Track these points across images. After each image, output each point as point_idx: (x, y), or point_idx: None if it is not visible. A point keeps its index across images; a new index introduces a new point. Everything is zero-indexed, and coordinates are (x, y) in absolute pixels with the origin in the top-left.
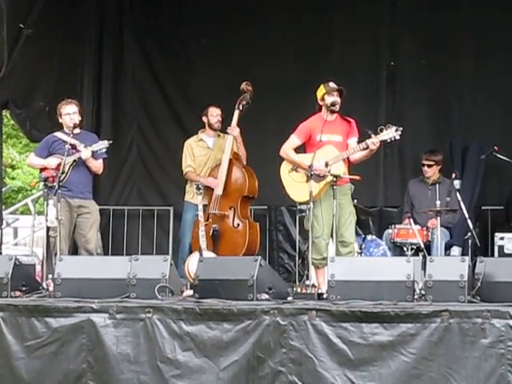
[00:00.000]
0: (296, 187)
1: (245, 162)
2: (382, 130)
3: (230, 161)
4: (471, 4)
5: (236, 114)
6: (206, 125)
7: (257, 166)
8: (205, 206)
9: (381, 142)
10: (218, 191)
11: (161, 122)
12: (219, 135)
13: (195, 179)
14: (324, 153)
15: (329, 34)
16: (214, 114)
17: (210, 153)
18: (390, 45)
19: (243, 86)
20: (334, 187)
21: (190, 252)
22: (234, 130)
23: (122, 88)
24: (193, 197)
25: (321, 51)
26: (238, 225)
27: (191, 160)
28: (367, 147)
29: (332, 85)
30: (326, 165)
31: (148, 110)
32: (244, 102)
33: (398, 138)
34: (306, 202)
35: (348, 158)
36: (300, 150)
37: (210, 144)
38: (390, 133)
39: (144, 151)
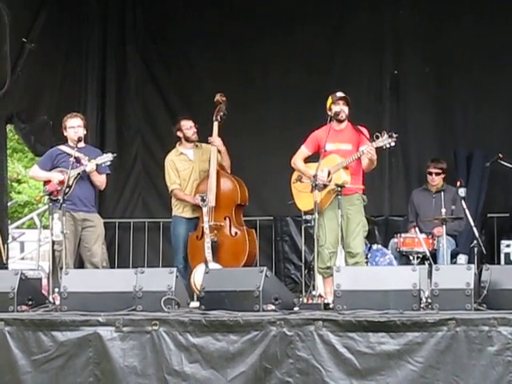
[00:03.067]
0: (301, 197)
1: (229, 171)
2: (377, 137)
3: (217, 171)
4: (475, 12)
5: (215, 125)
6: (183, 139)
7: (261, 176)
8: (196, 219)
9: (376, 149)
10: (211, 202)
11: (164, 135)
12: (197, 146)
13: (182, 198)
14: (328, 162)
15: (332, 44)
16: (188, 127)
17: (192, 165)
18: (393, 54)
19: (217, 97)
20: (339, 197)
21: (186, 265)
22: (215, 140)
23: (125, 101)
24: (182, 211)
25: (324, 60)
26: (236, 233)
27: (175, 176)
28: (361, 155)
29: (338, 94)
30: (329, 174)
31: (152, 123)
32: (221, 113)
33: (393, 144)
34: (311, 211)
35: (360, 167)
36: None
37: (191, 156)
38: (385, 140)
39: (148, 163)
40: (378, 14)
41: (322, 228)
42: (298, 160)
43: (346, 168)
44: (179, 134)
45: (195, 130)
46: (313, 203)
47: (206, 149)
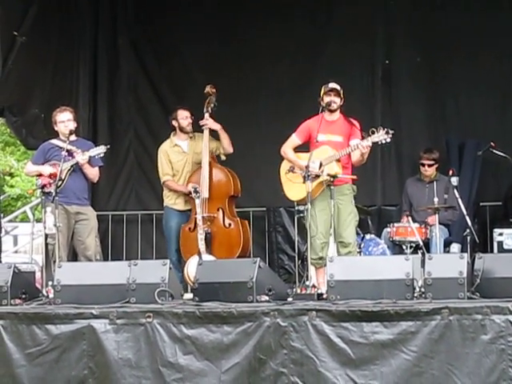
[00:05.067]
0: (292, 187)
1: (231, 149)
2: (373, 133)
3: (210, 163)
4: (467, 2)
5: (206, 116)
6: (177, 129)
7: (253, 167)
8: (188, 212)
9: (372, 144)
10: (205, 194)
11: (157, 126)
12: (191, 137)
13: (175, 188)
14: (319, 153)
15: (323, 34)
16: (183, 117)
17: (186, 156)
18: (385, 43)
19: (208, 89)
20: (331, 187)
21: (179, 257)
22: (208, 121)
23: (117, 93)
24: (175, 202)
25: (315, 51)
26: (230, 224)
27: (168, 167)
28: (356, 149)
29: (330, 85)
30: (321, 165)
31: (144, 115)
32: (211, 105)
33: (388, 140)
34: (301, 201)
35: (350, 160)
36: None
37: (185, 148)
38: (381, 135)
39: (141, 156)
40: (369, 3)
41: (313, 218)
42: (287, 149)
43: (337, 160)
44: (174, 123)
45: (191, 121)
46: (303, 193)
47: (200, 138)
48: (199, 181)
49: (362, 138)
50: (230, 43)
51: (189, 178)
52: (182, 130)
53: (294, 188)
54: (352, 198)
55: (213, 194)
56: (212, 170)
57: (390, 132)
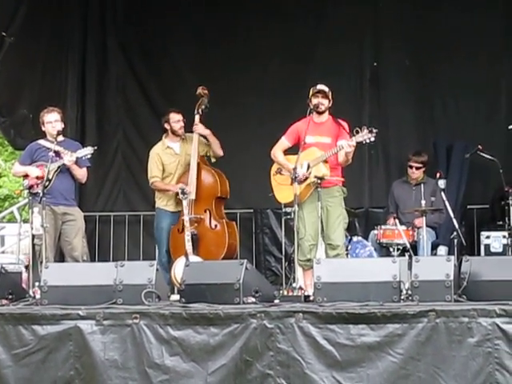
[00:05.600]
0: (281, 189)
1: (221, 152)
2: (357, 132)
3: (198, 164)
4: (454, 4)
5: (197, 118)
6: (169, 131)
7: (241, 169)
8: (179, 213)
9: (356, 143)
10: (191, 195)
11: (145, 128)
12: (183, 139)
13: (164, 188)
14: (307, 155)
15: (312, 36)
16: (176, 120)
17: (178, 158)
18: (373, 46)
19: (199, 90)
20: (319, 189)
21: (169, 259)
22: (197, 126)
23: (106, 94)
24: (166, 204)
25: (305, 53)
26: (216, 226)
27: (158, 170)
28: (341, 149)
29: (318, 87)
30: (309, 167)
31: (132, 116)
32: (203, 106)
33: (372, 139)
34: (291, 203)
35: (337, 161)
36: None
37: (177, 150)
38: (364, 135)
39: (129, 157)
40: (358, 6)
41: (301, 220)
42: (277, 151)
43: (325, 161)
44: (166, 125)
45: (183, 124)
46: (292, 196)
47: (191, 139)
48: (186, 182)
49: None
50: (220, 45)
51: (178, 178)
52: (173, 132)
53: (283, 190)
54: (342, 200)
55: (200, 195)
56: (200, 171)
57: (374, 131)
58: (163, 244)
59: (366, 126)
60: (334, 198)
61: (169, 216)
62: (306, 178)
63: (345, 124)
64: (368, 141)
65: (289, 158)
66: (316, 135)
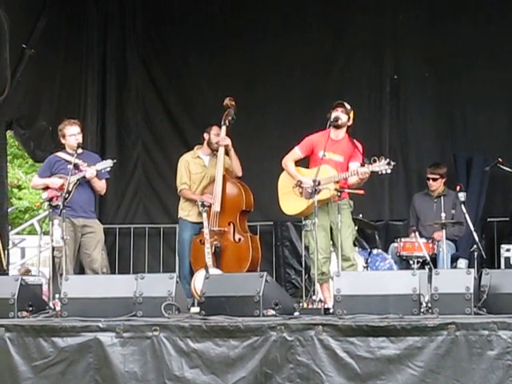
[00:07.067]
0: (289, 201)
1: (240, 173)
2: (375, 161)
3: (224, 176)
4: (474, 16)
5: (223, 129)
6: (206, 142)
7: (261, 181)
8: (201, 224)
9: (371, 172)
10: (216, 207)
11: (165, 140)
12: (215, 154)
13: (190, 197)
14: (320, 172)
15: (332, 48)
16: (216, 134)
17: (205, 170)
18: (393, 58)
19: (227, 101)
20: (338, 202)
21: (191, 270)
22: (224, 140)
23: (126, 106)
24: (188, 214)
25: (324, 65)
26: (240, 239)
27: (187, 177)
28: (355, 174)
29: (340, 101)
30: (319, 183)
31: (152, 128)
32: (229, 118)
33: (389, 171)
34: (296, 216)
35: (346, 180)
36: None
37: (207, 162)
38: (381, 165)
39: (149, 169)
40: (377, 18)
41: (312, 235)
42: (289, 162)
43: (336, 182)
44: (205, 135)
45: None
46: (297, 208)
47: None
48: (211, 193)
49: (363, 161)
50: (240, 58)
51: (203, 189)
52: (209, 145)
53: (290, 202)
54: (349, 212)
55: (224, 207)
56: (226, 184)
57: (392, 163)
58: (185, 256)
59: (384, 157)
60: (342, 210)
61: (190, 227)
62: (319, 192)
63: (359, 145)
64: (384, 172)
65: (299, 170)
66: (329, 151)
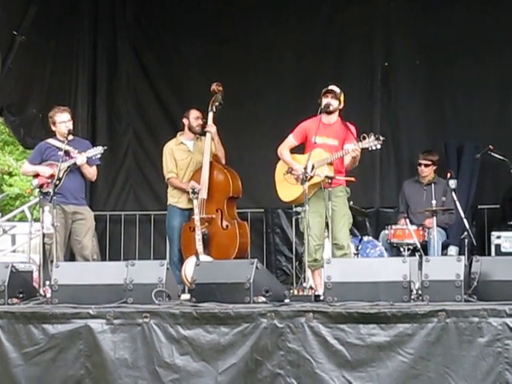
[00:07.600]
0: (285, 188)
1: (224, 161)
2: (364, 138)
3: (211, 163)
4: (465, 4)
5: (210, 115)
6: (186, 127)
7: (253, 169)
8: (191, 210)
9: (362, 149)
10: (203, 195)
11: (156, 127)
12: (198, 138)
13: (179, 186)
14: (313, 156)
15: (324, 36)
16: (195, 117)
17: (190, 155)
18: (384, 45)
19: (214, 86)
20: (329, 189)
21: (181, 257)
22: (211, 127)
23: (116, 93)
24: (178, 201)
25: (316, 53)
26: (227, 226)
27: (173, 165)
28: (347, 153)
29: (330, 87)
30: (313, 167)
31: (143, 115)
32: (216, 103)
33: (378, 147)
34: (292, 202)
35: (342, 164)
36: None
37: (191, 147)
38: (371, 142)
39: (140, 156)
40: (369, 5)
41: (305, 221)
42: (284, 150)
43: (330, 164)
44: (185, 121)
45: (201, 122)
46: (293, 195)
47: (204, 139)
48: (199, 180)
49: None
50: (231, 43)
51: (191, 176)
52: (190, 129)
53: (286, 189)
54: (346, 200)
55: (212, 195)
56: (213, 170)
57: (381, 138)
58: (175, 242)
59: (373, 133)
60: (338, 197)
61: (180, 213)
62: (311, 178)
63: (353, 128)
64: (374, 148)
65: (294, 157)
66: (323, 136)
